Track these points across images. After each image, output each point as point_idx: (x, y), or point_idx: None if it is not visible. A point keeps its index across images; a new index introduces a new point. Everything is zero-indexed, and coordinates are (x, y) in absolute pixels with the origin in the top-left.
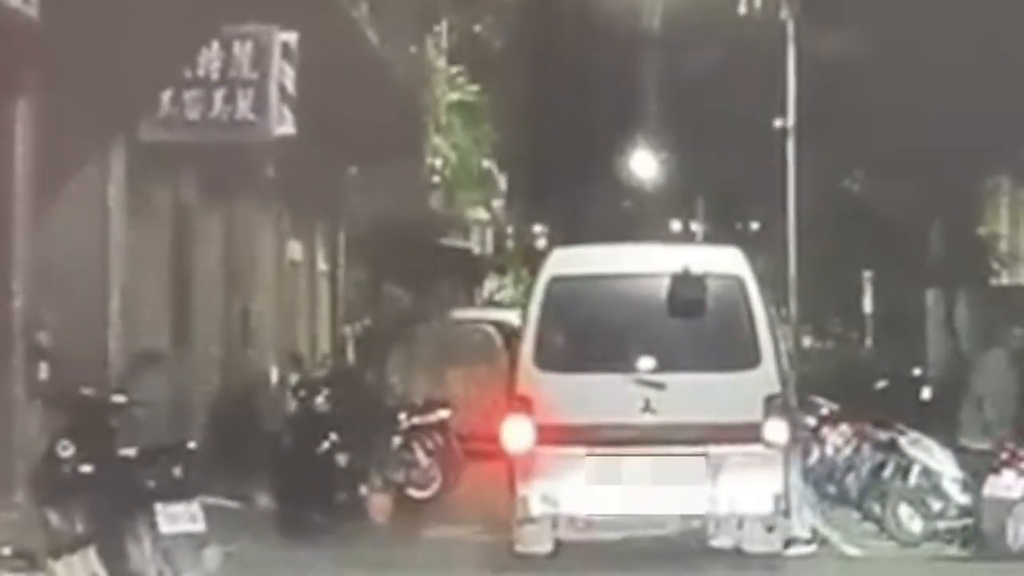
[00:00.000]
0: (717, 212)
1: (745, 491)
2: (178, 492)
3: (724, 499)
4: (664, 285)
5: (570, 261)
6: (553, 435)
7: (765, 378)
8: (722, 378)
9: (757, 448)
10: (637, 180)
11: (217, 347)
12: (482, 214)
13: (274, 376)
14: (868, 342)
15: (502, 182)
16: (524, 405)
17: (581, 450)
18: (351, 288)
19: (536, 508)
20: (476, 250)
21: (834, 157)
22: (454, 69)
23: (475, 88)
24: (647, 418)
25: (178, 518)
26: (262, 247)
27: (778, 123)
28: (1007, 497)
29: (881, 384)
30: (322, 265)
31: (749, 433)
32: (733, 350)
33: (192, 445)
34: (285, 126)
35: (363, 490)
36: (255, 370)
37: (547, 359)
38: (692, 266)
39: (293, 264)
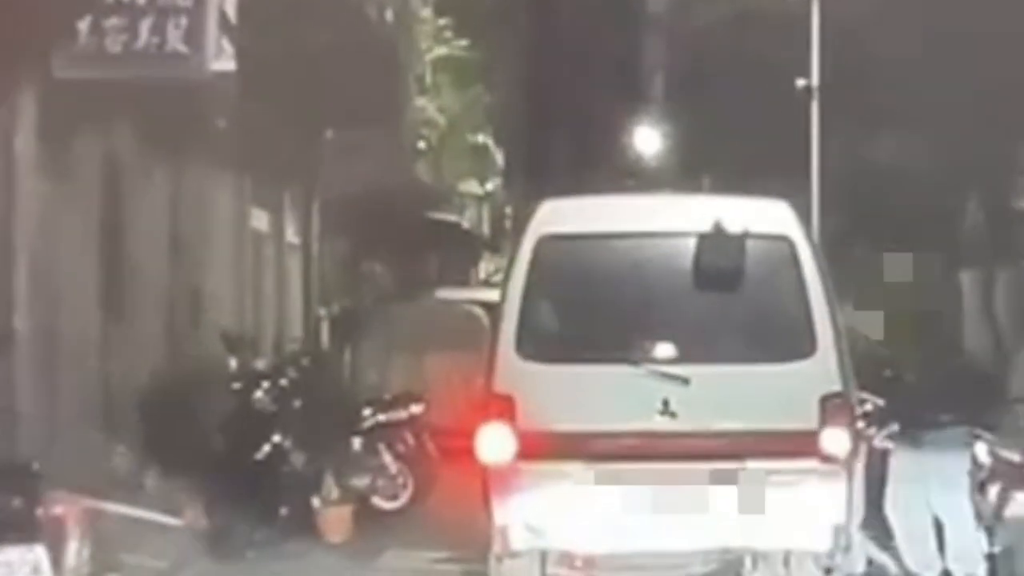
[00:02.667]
0: (728, 187)
1: (795, 519)
2: (19, 530)
3: (766, 530)
4: (689, 248)
5: (566, 216)
6: (542, 446)
7: (822, 372)
8: (765, 371)
9: (811, 463)
10: (643, 153)
11: (159, 330)
12: (475, 187)
13: (232, 364)
14: None
15: (499, 158)
16: (504, 407)
17: (578, 466)
18: (326, 264)
19: (519, 540)
20: (466, 225)
21: (860, 122)
22: (441, 21)
23: (464, 43)
24: (665, 423)
25: (15, 567)
26: (218, 214)
27: (801, 82)
28: None
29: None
30: (292, 237)
31: (800, 444)
32: (780, 335)
33: (37, 466)
34: (224, 61)
35: (316, 502)
36: (205, 357)
37: (534, 346)
38: (727, 223)
39: (257, 235)
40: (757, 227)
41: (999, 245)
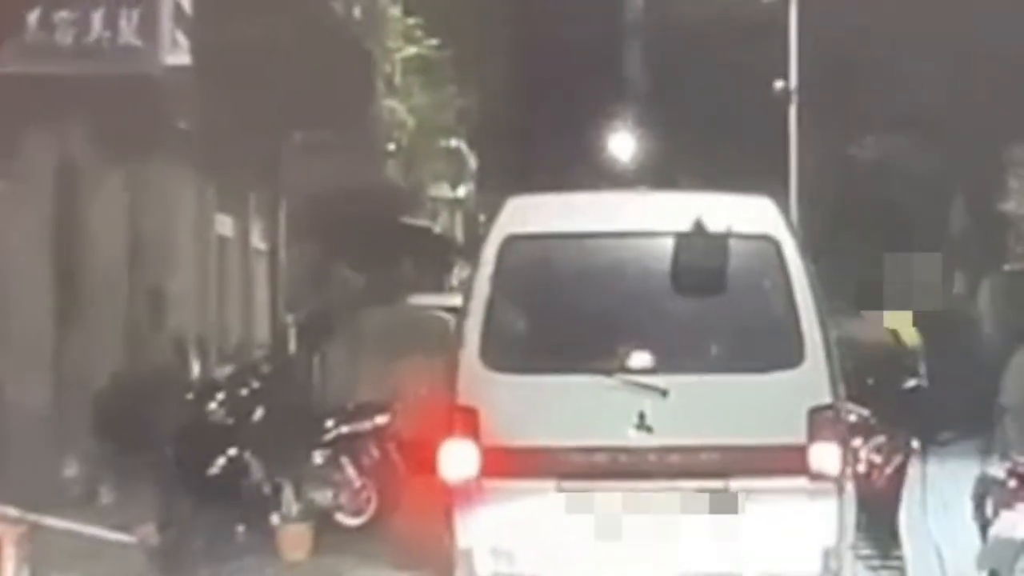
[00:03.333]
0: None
1: (781, 542)
2: None
3: (750, 553)
4: (667, 248)
5: (534, 214)
6: (508, 463)
7: (810, 382)
8: (749, 382)
9: (799, 482)
10: (620, 157)
11: (117, 338)
12: (447, 192)
13: (195, 370)
14: None
15: (472, 162)
16: (467, 421)
17: (548, 484)
18: (294, 270)
19: (484, 565)
20: (437, 229)
21: (841, 124)
22: (410, 20)
23: (434, 42)
24: (642, 439)
25: None
26: (181, 217)
27: (779, 84)
28: (1013, 538)
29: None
30: (258, 242)
31: (788, 460)
32: (765, 342)
33: None
34: (179, 55)
35: (275, 518)
36: (164, 365)
37: (500, 355)
38: (707, 222)
39: (221, 240)
40: (740, 226)
41: (986, 247)
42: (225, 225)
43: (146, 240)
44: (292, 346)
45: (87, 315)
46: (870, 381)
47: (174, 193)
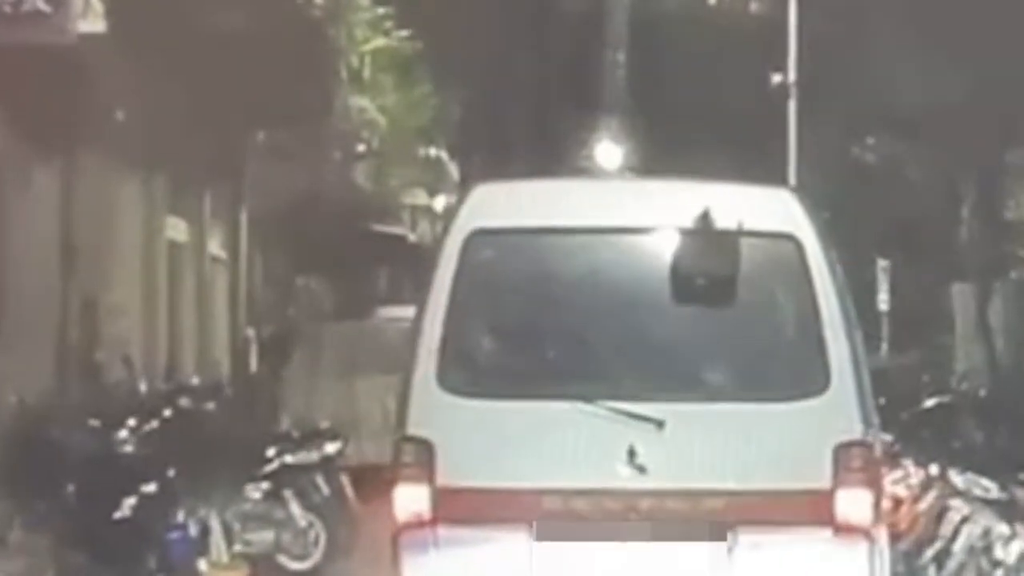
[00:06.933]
0: None
1: None
2: None
3: None
4: (666, 248)
5: (505, 205)
6: (468, 507)
7: (837, 413)
8: (763, 412)
9: (823, 534)
10: (609, 163)
11: (46, 355)
12: (424, 199)
13: (142, 390)
14: (884, 346)
15: (453, 170)
16: (420, 455)
17: (520, 535)
18: (256, 280)
19: None
20: (412, 237)
21: (842, 124)
22: (380, 10)
23: (405, 34)
24: (633, 480)
25: None
26: (124, 220)
27: (777, 78)
28: None
29: (931, 402)
30: (216, 249)
31: (809, 508)
32: (783, 364)
33: None
34: (92, 22)
35: (202, 565)
36: (98, 386)
37: (460, 376)
38: (715, 216)
39: (173, 246)
40: (755, 222)
41: (992, 255)
42: (178, 229)
43: (82, 244)
44: (253, 363)
45: (11, 331)
46: (882, 400)
47: (115, 191)
